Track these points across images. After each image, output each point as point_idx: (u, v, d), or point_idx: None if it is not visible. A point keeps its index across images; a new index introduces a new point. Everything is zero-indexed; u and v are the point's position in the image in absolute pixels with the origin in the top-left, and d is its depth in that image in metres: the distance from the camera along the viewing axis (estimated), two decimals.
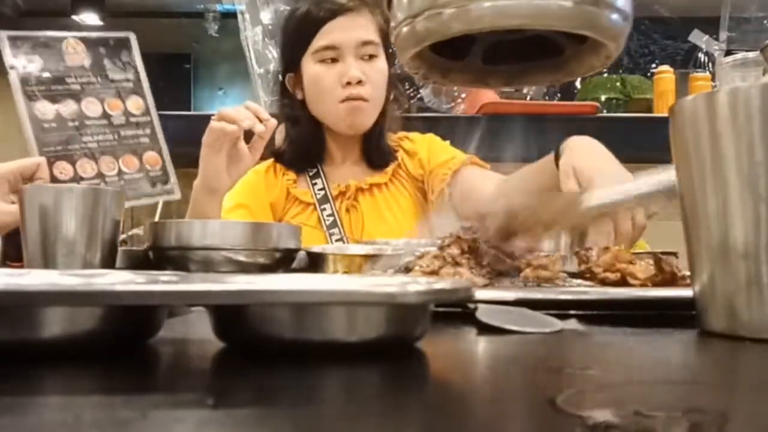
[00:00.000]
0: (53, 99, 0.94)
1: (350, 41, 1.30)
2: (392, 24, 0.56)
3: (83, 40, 0.98)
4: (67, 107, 0.94)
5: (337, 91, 1.31)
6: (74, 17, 4.38)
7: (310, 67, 1.33)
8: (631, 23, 0.53)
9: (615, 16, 0.51)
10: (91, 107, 0.96)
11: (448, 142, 1.46)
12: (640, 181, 0.68)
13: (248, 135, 1.15)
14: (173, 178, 1.04)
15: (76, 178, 0.97)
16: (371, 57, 1.33)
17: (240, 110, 1.12)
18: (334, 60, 1.31)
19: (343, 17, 1.31)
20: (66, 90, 0.95)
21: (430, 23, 0.51)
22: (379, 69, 1.33)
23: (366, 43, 1.31)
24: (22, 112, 0.91)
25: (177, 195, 1.05)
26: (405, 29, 0.54)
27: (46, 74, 0.95)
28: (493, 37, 0.59)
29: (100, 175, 0.97)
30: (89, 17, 4.40)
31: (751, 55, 1.81)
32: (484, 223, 0.69)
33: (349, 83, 1.30)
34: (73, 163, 0.97)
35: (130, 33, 1.01)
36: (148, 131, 1.00)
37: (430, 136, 1.47)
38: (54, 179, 0.96)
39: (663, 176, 0.66)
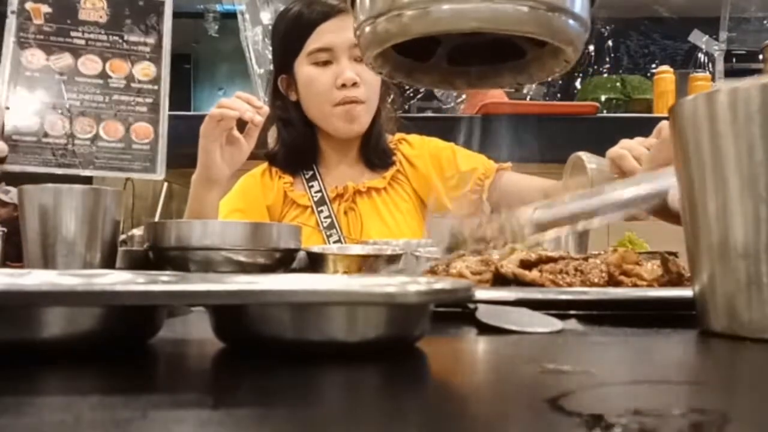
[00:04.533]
0: (48, 50, 0.90)
1: (344, 43, 1.30)
2: (354, 24, 0.57)
3: None
4: (61, 60, 0.89)
5: (332, 93, 1.31)
6: None
7: (303, 69, 1.33)
8: (588, 29, 0.54)
9: (571, 22, 0.52)
10: (89, 64, 0.90)
11: (452, 143, 1.46)
12: (594, 199, 0.69)
13: (241, 125, 1.16)
14: (161, 157, 0.96)
15: (40, 133, 0.91)
16: None
17: (237, 101, 1.13)
18: (327, 62, 1.31)
19: (335, 19, 1.31)
20: (66, 43, 0.90)
21: (390, 25, 0.52)
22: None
23: None
24: (6, 55, 0.87)
25: (159, 175, 0.97)
26: (367, 29, 0.55)
27: (50, 26, 0.90)
28: (456, 39, 0.61)
29: (69, 136, 0.91)
30: None
31: None
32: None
33: (344, 85, 1.30)
34: (41, 118, 0.91)
35: None
36: (150, 101, 0.94)
37: (448, 145, 1.45)
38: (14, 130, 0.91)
39: (614, 194, 0.68)
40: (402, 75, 0.62)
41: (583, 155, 1.03)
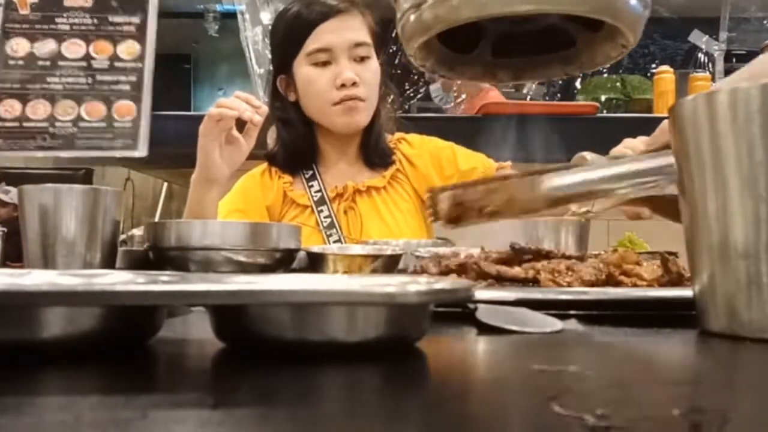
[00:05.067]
0: (32, 37, 0.89)
1: (343, 43, 1.30)
2: (398, 14, 0.54)
3: None
4: (45, 46, 0.88)
5: (332, 93, 1.31)
6: None
7: (303, 69, 1.33)
8: (650, 9, 0.51)
9: (633, 1, 0.49)
10: (73, 48, 0.89)
11: (452, 143, 1.45)
12: (615, 165, 0.65)
13: (240, 124, 1.16)
14: (143, 134, 0.93)
15: (22, 118, 0.91)
16: (364, 58, 1.33)
17: (236, 101, 1.13)
18: (327, 63, 1.31)
19: (334, 19, 1.31)
20: (51, 30, 0.90)
21: (437, 10, 0.50)
22: (372, 70, 1.34)
23: (358, 44, 1.31)
24: None
25: (141, 152, 0.95)
26: (412, 17, 0.52)
27: (36, 14, 0.90)
28: (502, 29, 0.58)
29: (50, 119, 0.90)
30: None
31: None
32: (435, 206, 0.67)
33: (343, 85, 1.30)
34: (24, 103, 0.91)
35: None
36: (133, 78, 0.92)
37: (448, 144, 1.45)
38: None
39: (643, 163, 0.63)
40: (445, 68, 0.59)
41: (587, 155, 1.03)
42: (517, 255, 0.67)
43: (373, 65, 1.34)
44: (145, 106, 0.94)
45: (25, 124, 0.90)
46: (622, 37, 0.53)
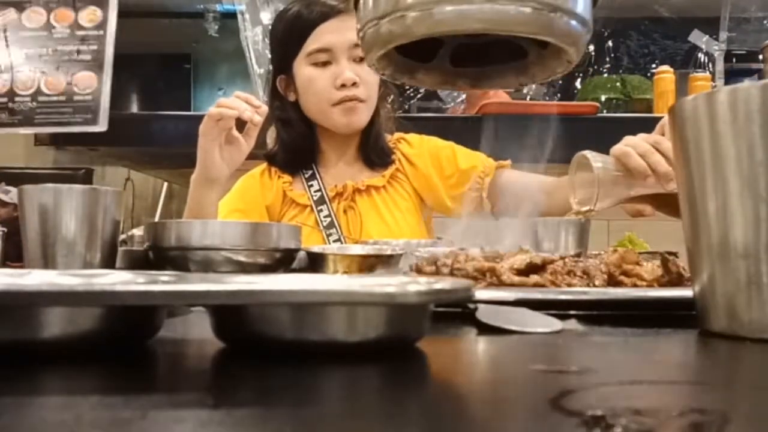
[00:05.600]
0: None
1: (343, 43, 1.30)
2: (358, 25, 0.57)
3: None
4: (5, 16, 0.87)
5: (332, 93, 1.31)
6: None
7: (303, 69, 1.33)
8: (590, 29, 0.54)
9: (573, 22, 0.53)
10: (34, 17, 0.87)
11: (452, 142, 1.45)
12: None
13: (240, 124, 1.16)
14: (103, 108, 0.92)
15: None
16: (364, 59, 1.32)
17: (236, 101, 1.14)
18: (327, 63, 1.31)
19: (334, 19, 1.31)
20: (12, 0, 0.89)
21: (393, 26, 0.53)
22: (371, 70, 1.33)
23: (358, 44, 1.31)
24: None
25: (101, 127, 0.93)
26: (370, 31, 0.55)
27: None
28: (459, 40, 0.61)
29: (9, 94, 0.88)
30: None
31: None
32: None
33: (343, 85, 1.30)
34: None
35: None
36: (94, 47, 0.91)
37: (448, 144, 1.45)
38: None
39: None
40: (405, 76, 0.63)
41: (588, 154, 1.03)
42: (537, 267, 0.67)
43: None
44: (106, 78, 0.92)
45: None
46: (566, 54, 0.57)
